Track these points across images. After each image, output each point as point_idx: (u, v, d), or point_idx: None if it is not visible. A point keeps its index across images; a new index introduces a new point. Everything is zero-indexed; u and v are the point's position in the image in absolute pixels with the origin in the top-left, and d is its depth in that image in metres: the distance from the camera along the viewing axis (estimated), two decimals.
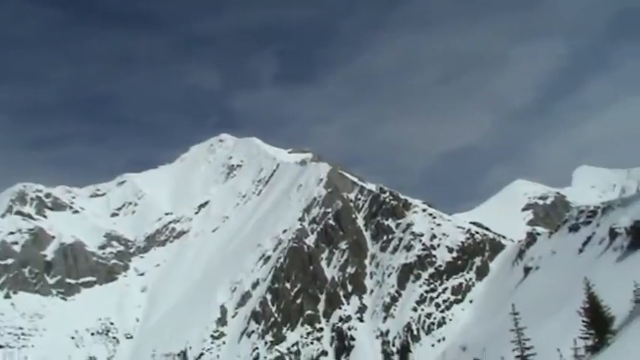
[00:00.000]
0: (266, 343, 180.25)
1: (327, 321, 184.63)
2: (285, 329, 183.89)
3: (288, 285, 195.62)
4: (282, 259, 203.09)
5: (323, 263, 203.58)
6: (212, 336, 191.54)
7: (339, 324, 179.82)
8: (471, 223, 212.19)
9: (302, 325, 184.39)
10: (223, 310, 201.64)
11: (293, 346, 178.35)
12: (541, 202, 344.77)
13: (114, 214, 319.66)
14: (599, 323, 39.34)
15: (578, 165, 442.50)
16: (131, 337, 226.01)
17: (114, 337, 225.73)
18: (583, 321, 40.41)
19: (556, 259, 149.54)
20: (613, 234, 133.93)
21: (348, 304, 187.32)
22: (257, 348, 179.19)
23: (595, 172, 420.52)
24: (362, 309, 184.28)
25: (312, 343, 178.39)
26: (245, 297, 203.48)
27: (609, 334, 37.70)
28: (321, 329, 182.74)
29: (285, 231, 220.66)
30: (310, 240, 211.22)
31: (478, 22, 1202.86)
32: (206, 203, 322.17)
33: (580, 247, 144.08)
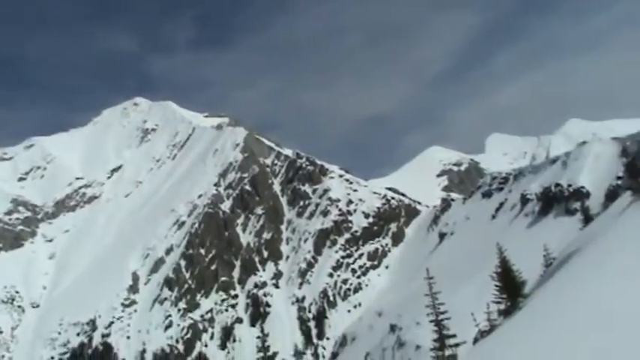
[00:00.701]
0: (179, 310, 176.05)
1: (243, 287, 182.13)
2: (199, 296, 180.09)
3: (202, 251, 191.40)
4: (196, 225, 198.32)
5: (238, 229, 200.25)
6: (123, 304, 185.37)
7: (255, 290, 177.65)
8: (387, 188, 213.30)
9: (216, 291, 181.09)
10: (135, 278, 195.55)
11: (207, 313, 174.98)
12: (455, 168, 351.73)
13: (21, 179, 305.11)
14: (511, 288, 39.04)
15: (491, 132, 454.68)
16: (37, 306, 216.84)
17: (19, 306, 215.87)
18: (496, 285, 40.09)
19: (470, 224, 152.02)
20: (524, 200, 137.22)
21: (264, 270, 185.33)
22: (170, 315, 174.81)
23: (507, 139, 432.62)
24: (278, 275, 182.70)
25: (226, 310, 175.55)
26: (158, 263, 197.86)
27: (521, 297, 37.40)
28: (236, 296, 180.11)
29: (200, 196, 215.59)
30: (226, 205, 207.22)
31: None
32: (119, 168, 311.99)
33: (493, 212, 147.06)
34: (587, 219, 56.76)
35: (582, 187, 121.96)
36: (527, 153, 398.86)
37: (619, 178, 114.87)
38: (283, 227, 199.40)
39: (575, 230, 67.78)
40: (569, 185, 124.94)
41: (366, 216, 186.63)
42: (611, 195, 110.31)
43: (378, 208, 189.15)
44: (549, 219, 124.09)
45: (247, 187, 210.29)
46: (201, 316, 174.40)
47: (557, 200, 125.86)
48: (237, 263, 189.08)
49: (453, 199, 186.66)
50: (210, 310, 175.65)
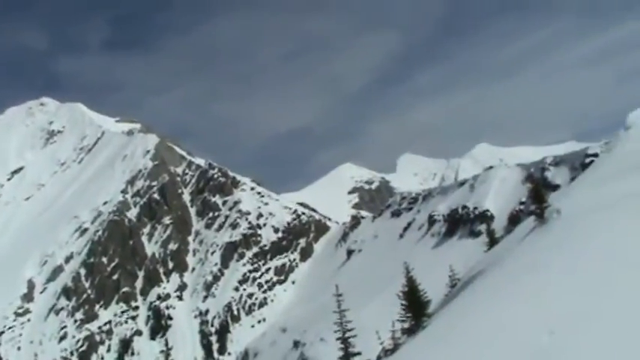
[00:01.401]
0: (75, 321, 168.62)
1: (144, 299, 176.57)
2: (97, 307, 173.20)
3: (104, 260, 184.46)
4: (100, 233, 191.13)
5: (144, 238, 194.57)
6: (16, 313, 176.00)
7: (157, 302, 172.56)
8: (298, 203, 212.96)
9: (117, 302, 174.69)
10: (30, 285, 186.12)
11: (105, 324, 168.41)
12: (367, 186, 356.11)
13: None
14: (416, 307, 38.86)
15: (403, 152, 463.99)
16: None
17: None
18: (401, 304, 39.83)
19: (378, 242, 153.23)
20: (431, 221, 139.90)
21: (168, 281, 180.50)
22: (65, 326, 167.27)
23: (418, 160, 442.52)
24: (182, 287, 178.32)
25: (126, 322, 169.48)
26: (56, 271, 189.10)
27: (425, 317, 37.36)
28: (137, 307, 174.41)
29: (105, 203, 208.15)
30: (132, 213, 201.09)
31: (321, 7, 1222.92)
32: (20, 169, 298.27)
33: (401, 232, 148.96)
34: (492, 242, 57.36)
35: (487, 210, 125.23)
36: (437, 174, 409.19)
37: (522, 203, 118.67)
38: (190, 238, 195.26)
39: (479, 252, 68.84)
40: (475, 208, 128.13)
41: (276, 230, 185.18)
42: (514, 219, 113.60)
43: (288, 222, 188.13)
44: (454, 240, 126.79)
45: (156, 196, 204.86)
46: (99, 327, 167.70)
47: (462, 222, 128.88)
48: (141, 274, 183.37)
49: (362, 217, 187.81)
50: (109, 322, 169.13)
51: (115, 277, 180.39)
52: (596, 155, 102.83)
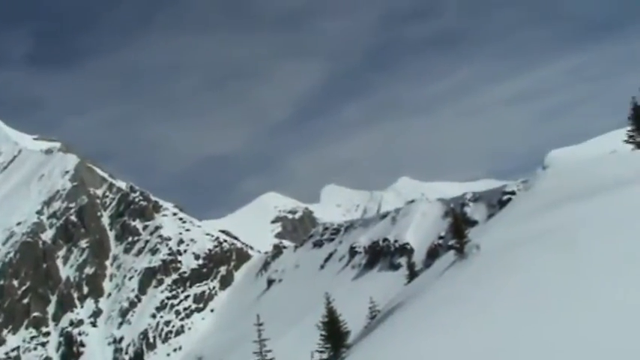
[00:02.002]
0: None
1: (56, 325, 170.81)
2: (5, 332, 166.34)
3: (15, 283, 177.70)
4: (12, 254, 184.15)
5: (59, 261, 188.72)
6: None
7: (69, 328, 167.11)
8: (220, 231, 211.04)
9: (26, 327, 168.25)
10: None
11: (13, 350, 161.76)
12: (290, 215, 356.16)
13: None
14: (335, 337, 39.75)
15: (327, 183, 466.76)
16: None
17: None
18: (321, 334, 40.51)
19: (299, 272, 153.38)
20: (353, 252, 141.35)
21: (82, 307, 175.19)
22: None
23: (342, 191, 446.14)
24: (97, 313, 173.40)
25: (35, 348, 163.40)
26: None
27: (344, 347, 38.04)
28: (48, 333, 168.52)
29: (19, 223, 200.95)
30: (47, 235, 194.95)
31: (247, 35, 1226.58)
32: None
33: (322, 262, 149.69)
34: (412, 274, 58.89)
35: (407, 243, 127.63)
36: (360, 206, 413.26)
37: (441, 237, 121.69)
38: (108, 263, 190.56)
39: (399, 285, 70.18)
40: (396, 241, 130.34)
41: (197, 257, 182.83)
42: (433, 253, 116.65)
43: (210, 250, 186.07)
44: (375, 272, 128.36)
45: (73, 218, 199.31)
46: (6, 353, 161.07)
47: (383, 254, 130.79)
48: (54, 298, 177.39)
49: (284, 246, 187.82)
50: (17, 348, 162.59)
51: (25, 300, 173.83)
52: (512, 193, 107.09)
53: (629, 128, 44.87)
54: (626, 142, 44.51)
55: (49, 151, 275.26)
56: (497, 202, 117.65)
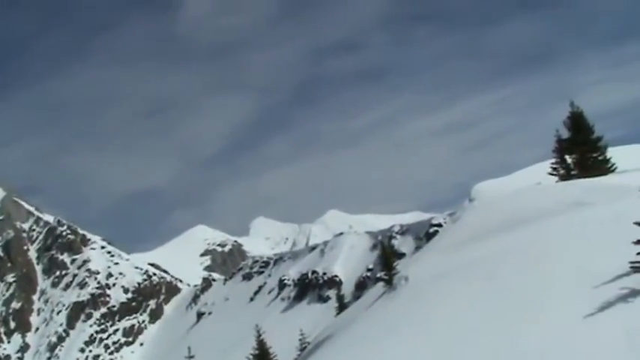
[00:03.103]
0: None
1: None
2: None
3: None
4: None
5: None
6: None
7: None
8: (149, 264, 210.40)
9: None
10: None
11: None
12: (219, 248, 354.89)
13: None
14: None
15: (256, 216, 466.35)
16: None
17: None
18: None
19: (229, 305, 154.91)
20: (282, 285, 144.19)
21: (9, 342, 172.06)
22: None
23: (271, 224, 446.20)
24: (24, 348, 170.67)
25: None
26: None
27: None
28: None
29: None
30: None
31: (175, 68, 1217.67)
32: None
33: (252, 295, 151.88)
34: (341, 306, 60.55)
35: (336, 275, 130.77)
36: (289, 239, 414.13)
37: (369, 269, 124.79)
38: (35, 297, 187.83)
39: (329, 316, 72.15)
40: (325, 273, 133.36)
41: (126, 291, 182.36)
42: (361, 285, 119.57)
43: (139, 283, 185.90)
44: (304, 304, 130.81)
45: None
46: None
47: (312, 287, 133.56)
48: None
49: (214, 279, 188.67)
50: None
51: None
52: (439, 225, 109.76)
53: (552, 160, 45.04)
54: (550, 174, 44.69)
55: None
56: (425, 234, 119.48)
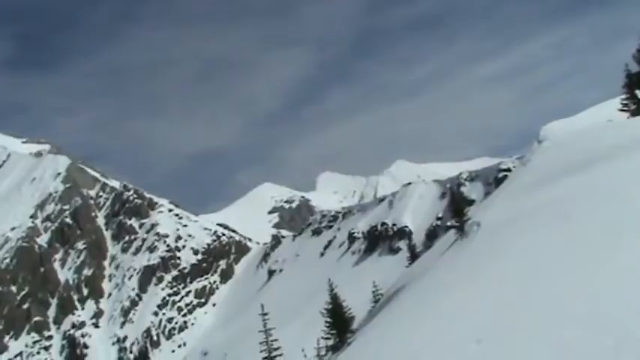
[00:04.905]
0: None
1: (58, 328, 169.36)
2: (7, 338, 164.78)
3: (14, 289, 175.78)
4: (8, 260, 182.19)
5: (56, 265, 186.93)
6: None
7: (72, 331, 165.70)
8: (217, 224, 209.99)
9: (28, 332, 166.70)
10: None
11: (16, 357, 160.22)
12: (287, 205, 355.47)
13: None
14: (340, 323, 38.97)
15: (322, 171, 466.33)
16: None
17: None
18: (326, 321, 39.73)
19: (299, 261, 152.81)
20: (352, 238, 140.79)
21: (83, 309, 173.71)
22: None
23: (337, 178, 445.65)
24: (98, 314, 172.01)
25: (38, 352, 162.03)
26: None
27: (349, 333, 37.34)
28: (51, 337, 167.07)
29: (13, 229, 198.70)
30: (43, 239, 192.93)
31: (232, 25, 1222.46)
32: None
33: (322, 250, 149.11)
34: (413, 257, 57.94)
35: (406, 226, 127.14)
36: (357, 192, 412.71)
37: (439, 218, 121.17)
38: (106, 263, 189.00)
39: (400, 268, 69.54)
40: (394, 224, 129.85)
41: (195, 252, 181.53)
42: (432, 234, 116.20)
43: (208, 244, 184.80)
44: (375, 257, 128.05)
45: (68, 220, 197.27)
46: (10, 359, 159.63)
47: (382, 239, 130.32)
48: (54, 302, 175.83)
49: (283, 236, 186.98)
50: (20, 354, 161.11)
51: (25, 306, 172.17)
52: (509, 170, 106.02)
53: (623, 97, 43.93)
54: (621, 110, 43.64)
55: (38, 154, 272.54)
56: (494, 179, 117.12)
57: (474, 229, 26.56)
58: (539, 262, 15.84)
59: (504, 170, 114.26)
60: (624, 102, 43.60)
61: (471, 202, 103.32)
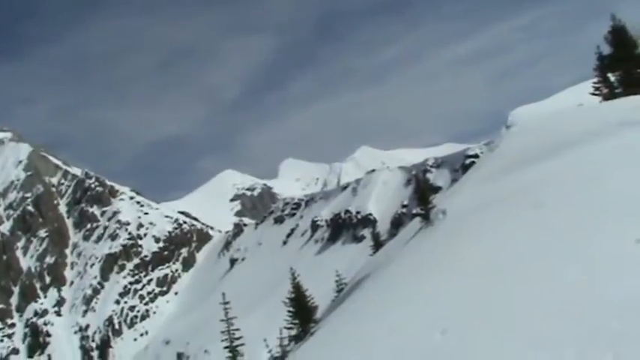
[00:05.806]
0: None
1: (21, 316, 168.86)
2: None
3: None
4: None
5: (19, 252, 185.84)
6: None
7: (34, 319, 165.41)
8: (179, 212, 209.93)
9: None
10: None
11: None
12: (249, 193, 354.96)
13: None
14: (303, 313, 39.35)
15: (284, 158, 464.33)
16: None
17: None
18: (288, 311, 40.30)
19: (262, 249, 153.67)
20: (315, 226, 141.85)
21: (45, 297, 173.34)
22: None
23: (300, 165, 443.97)
24: (60, 302, 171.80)
25: (1, 340, 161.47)
26: None
27: (313, 323, 37.97)
28: (13, 325, 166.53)
29: None
30: (5, 227, 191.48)
31: (194, 13, 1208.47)
32: None
33: (284, 238, 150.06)
34: (377, 245, 59.21)
35: (370, 214, 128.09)
36: (320, 179, 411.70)
37: (404, 205, 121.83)
38: (68, 251, 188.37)
39: (364, 256, 69.89)
40: (358, 212, 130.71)
41: (157, 240, 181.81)
42: (397, 222, 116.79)
43: (170, 232, 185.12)
44: (338, 245, 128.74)
45: (30, 208, 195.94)
46: None
47: (345, 227, 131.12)
48: (16, 290, 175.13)
49: (245, 225, 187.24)
50: None
51: None
52: (476, 156, 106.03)
53: (594, 80, 43.28)
54: (593, 94, 43.25)
55: (0, 142, 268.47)
56: (461, 166, 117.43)
57: (440, 216, 25.97)
58: (508, 251, 15.67)
59: (471, 156, 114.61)
60: (596, 85, 42.98)
61: (437, 189, 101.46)
